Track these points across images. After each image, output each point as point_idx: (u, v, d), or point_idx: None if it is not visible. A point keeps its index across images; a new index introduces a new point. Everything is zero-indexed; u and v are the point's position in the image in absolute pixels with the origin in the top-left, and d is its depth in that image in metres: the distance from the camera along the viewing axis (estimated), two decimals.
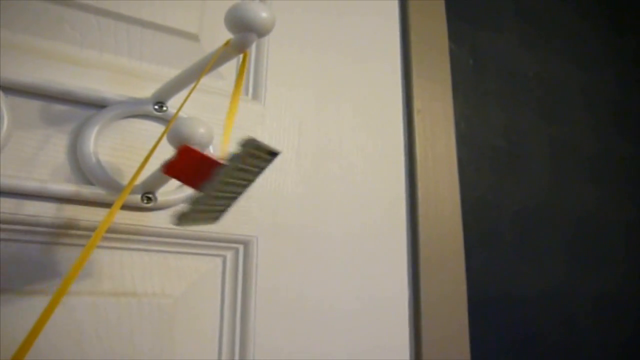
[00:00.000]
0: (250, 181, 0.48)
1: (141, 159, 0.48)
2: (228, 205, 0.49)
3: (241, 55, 0.50)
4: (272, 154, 0.45)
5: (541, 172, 1.05)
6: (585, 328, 1.02)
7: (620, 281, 1.10)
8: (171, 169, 0.45)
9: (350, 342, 0.68)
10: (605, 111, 1.21)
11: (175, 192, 0.59)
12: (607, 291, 1.08)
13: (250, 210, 0.65)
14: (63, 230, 0.53)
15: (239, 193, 0.48)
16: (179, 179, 0.46)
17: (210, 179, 0.42)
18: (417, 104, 0.85)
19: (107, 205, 0.55)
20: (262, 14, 0.46)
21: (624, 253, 1.13)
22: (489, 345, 0.88)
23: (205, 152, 0.45)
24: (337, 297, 0.69)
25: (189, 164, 0.44)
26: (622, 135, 1.22)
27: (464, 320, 0.81)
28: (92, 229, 0.54)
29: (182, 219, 0.43)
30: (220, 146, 0.53)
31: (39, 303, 0.51)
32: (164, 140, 0.47)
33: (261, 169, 0.47)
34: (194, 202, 0.42)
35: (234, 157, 0.41)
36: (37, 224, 0.52)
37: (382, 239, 0.75)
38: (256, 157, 0.45)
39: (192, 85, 0.51)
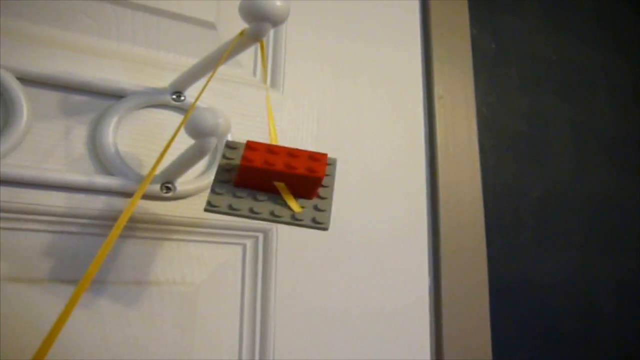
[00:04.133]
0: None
1: (160, 149, 0.48)
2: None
3: (259, 45, 0.50)
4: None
5: (564, 158, 1.03)
6: (607, 316, 1.00)
7: None
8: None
9: (368, 320, 0.69)
10: (627, 95, 1.18)
11: (194, 181, 0.59)
12: (630, 278, 1.06)
13: None
14: (83, 221, 0.54)
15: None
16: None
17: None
18: (438, 90, 0.84)
19: (127, 195, 0.56)
20: (277, 3, 0.45)
21: None
22: (511, 333, 0.88)
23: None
24: (355, 281, 0.69)
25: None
26: None
27: (485, 308, 0.80)
28: (112, 219, 0.55)
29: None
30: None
31: (60, 292, 0.52)
32: (183, 130, 0.47)
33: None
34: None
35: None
36: (57, 214, 0.52)
37: (403, 226, 0.75)
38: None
39: (209, 74, 0.50)
